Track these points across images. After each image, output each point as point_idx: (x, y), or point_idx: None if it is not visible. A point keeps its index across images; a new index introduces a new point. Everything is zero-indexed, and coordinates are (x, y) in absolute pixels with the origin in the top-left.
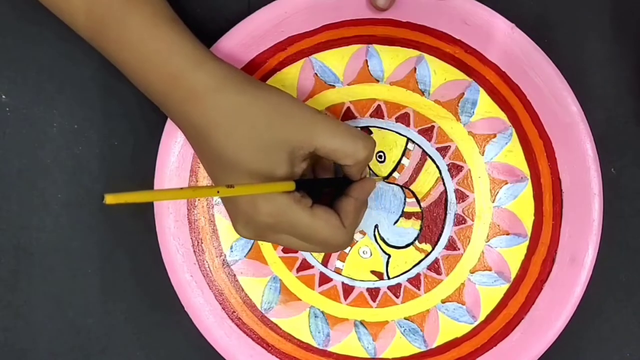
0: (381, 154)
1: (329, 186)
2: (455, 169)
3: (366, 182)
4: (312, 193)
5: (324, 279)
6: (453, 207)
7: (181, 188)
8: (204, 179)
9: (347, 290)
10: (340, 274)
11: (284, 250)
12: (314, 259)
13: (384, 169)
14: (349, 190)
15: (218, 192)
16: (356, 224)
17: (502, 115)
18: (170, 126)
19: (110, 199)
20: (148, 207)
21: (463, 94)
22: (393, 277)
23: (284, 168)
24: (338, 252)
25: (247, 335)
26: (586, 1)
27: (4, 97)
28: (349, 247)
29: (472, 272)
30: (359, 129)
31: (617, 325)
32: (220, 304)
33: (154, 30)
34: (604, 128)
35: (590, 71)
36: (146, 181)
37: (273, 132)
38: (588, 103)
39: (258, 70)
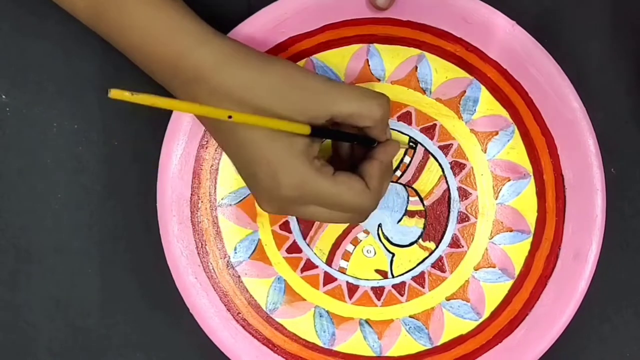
0: None
1: (347, 139)
2: (457, 166)
3: (389, 144)
4: (334, 162)
5: (329, 279)
6: (456, 205)
7: (191, 102)
8: (207, 181)
9: (352, 289)
10: (345, 274)
11: (289, 251)
12: (318, 258)
13: None
14: (372, 153)
15: (230, 117)
16: (382, 188)
17: (504, 113)
18: (172, 127)
19: (115, 93)
20: (150, 207)
21: (464, 91)
22: (397, 276)
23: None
24: (342, 252)
25: (252, 336)
26: (586, 1)
27: (4, 97)
28: (353, 246)
29: (476, 269)
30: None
31: (617, 325)
32: (225, 305)
33: (154, 11)
34: (604, 128)
35: (590, 71)
36: (147, 181)
37: (287, 105)
38: (588, 103)
39: None
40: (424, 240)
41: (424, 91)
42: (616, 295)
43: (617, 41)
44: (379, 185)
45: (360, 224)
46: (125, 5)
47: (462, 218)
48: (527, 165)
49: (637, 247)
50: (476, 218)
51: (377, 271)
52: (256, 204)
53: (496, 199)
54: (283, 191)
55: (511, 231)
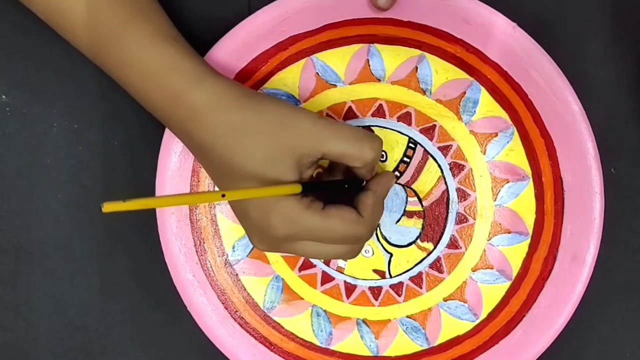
0: (383, 153)
1: (335, 187)
2: (456, 168)
3: (384, 175)
4: (323, 196)
5: (326, 278)
6: (455, 206)
7: (184, 194)
8: (206, 179)
9: (349, 289)
10: (343, 273)
11: None
12: None
13: (386, 168)
14: (367, 184)
15: (223, 195)
16: (375, 217)
17: (504, 114)
18: (167, 135)
19: (108, 207)
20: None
21: (464, 93)
22: (395, 276)
23: (291, 175)
24: None
25: (249, 334)
26: (586, 1)
27: (4, 97)
28: None
29: (473, 270)
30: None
31: (617, 325)
32: (222, 303)
33: (153, 49)
34: (604, 128)
35: (591, 71)
36: (147, 181)
37: (278, 144)
38: (588, 103)
39: (259, 70)
40: (422, 241)
41: (424, 92)
42: (616, 295)
43: (617, 41)
44: (372, 214)
45: None
46: (126, 43)
47: (461, 219)
48: (526, 167)
49: (637, 247)
50: (474, 219)
51: (375, 271)
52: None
53: (495, 200)
54: (275, 231)
55: (509, 233)
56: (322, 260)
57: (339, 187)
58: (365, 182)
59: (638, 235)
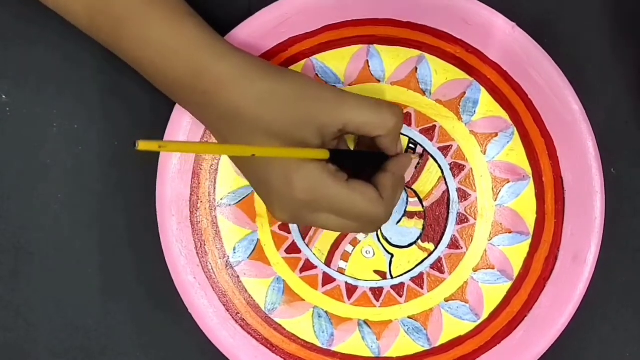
0: None
1: (363, 159)
2: (457, 168)
3: (403, 156)
4: (348, 169)
5: (328, 279)
6: (455, 206)
7: (213, 143)
8: (206, 181)
9: (351, 290)
10: (344, 274)
11: (288, 251)
12: (317, 259)
13: None
14: (385, 165)
15: (253, 154)
16: (394, 200)
17: (504, 114)
18: (172, 127)
19: (142, 145)
20: (149, 207)
21: (464, 93)
22: (396, 277)
23: (316, 142)
24: (341, 252)
25: (251, 336)
26: (586, 1)
27: (4, 97)
28: (352, 247)
29: (475, 270)
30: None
31: (617, 326)
32: (224, 305)
33: (175, 27)
34: (604, 128)
35: (591, 71)
36: (147, 182)
37: (302, 111)
38: (588, 103)
39: None
40: (423, 241)
41: (423, 92)
42: (616, 295)
43: (617, 41)
44: (392, 195)
45: None
46: (146, 22)
47: (462, 219)
48: (527, 167)
49: (637, 247)
50: (475, 219)
51: (376, 272)
52: (266, 212)
53: (495, 200)
54: (297, 194)
55: (510, 233)
56: (323, 261)
57: (365, 158)
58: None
59: (638, 235)
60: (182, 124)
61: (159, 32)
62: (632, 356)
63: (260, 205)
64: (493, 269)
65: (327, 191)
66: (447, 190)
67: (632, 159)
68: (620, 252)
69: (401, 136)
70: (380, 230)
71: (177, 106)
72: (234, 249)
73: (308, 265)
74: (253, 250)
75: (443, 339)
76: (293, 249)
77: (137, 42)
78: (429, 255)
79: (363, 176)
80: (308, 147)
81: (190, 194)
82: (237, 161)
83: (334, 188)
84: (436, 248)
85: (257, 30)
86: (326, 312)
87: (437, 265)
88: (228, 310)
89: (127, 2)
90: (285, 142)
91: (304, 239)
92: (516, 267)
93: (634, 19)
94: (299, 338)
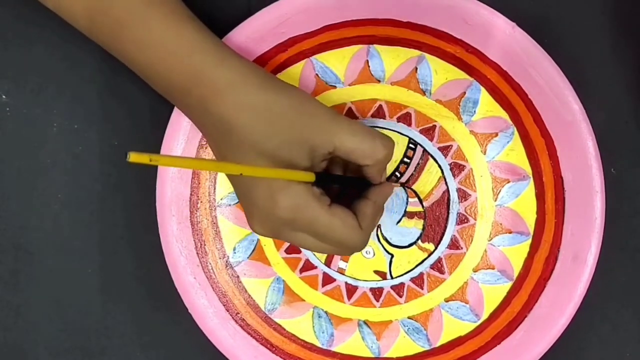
0: None
1: (347, 184)
2: (457, 168)
3: (385, 186)
4: (331, 192)
5: (328, 279)
6: (455, 207)
7: (204, 159)
8: (206, 181)
9: (351, 290)
10: (344, 274)
11: (288, 251)
12: (317, 259)
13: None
14: (367, 193)
15: (241, 173)
16: (372, 228)
17: (504, 114)
18: (172, 127)
19: (134, 157)
20: (149, 207)
21: (464, 93)
22: (396, 277)
23: (304, 163)
24: None
25: (251, 336)
26: (587, 1)
27: (4, 97)
28: None
29: (475, 270)
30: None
31: (617, 325)
32: (223, 305)
33: (174, 29)
34: (604, 128)
35: (591, 71)
36: (146, 181)
37: (294, 130)
38: (588, 103)
39: None
40: (423, 242)
41: (423, 92)
42: (616, 295)
43: (617, 41)
44: (371, 224)
45: None
46: (146, 24)
47: (462, 219)
48: (527, 167)
49: (637, 247)
50: (475, 219)
51: (376, 272)
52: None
53: (495, 200)
54: (279, 212)
55: (510, 233)
56: (323, 262)
57: (349, 184)
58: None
59: (638, 235)
60: (182, 125)
61: (158, 34)
62: (632, 356)
63: None
64: (493, 269)
65: (309, 213)
66: (447, 190)
67: (632, 159)
68: (620, 252)
69: (395, 146)
70: (381, 231)
71: (175, 109)
72: (234, 249)
73: (308, 266)
74: (253, 251)
75: (443, 340)
76: (293, 249)
77: (136, 45)
78: (429, 256)
79: (344, 199)
80: (296, 168)
81: (190, 194)
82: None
83: (316, 211)
84: (436, 248)
85: (257, 30)
86: (326, 312)
87: (437, 266)
88: (228, 311)
89: (127, 4)
90: (274, 161)
91: None
92: (516, 267)
93: (634, 19)
94: (298, 338)
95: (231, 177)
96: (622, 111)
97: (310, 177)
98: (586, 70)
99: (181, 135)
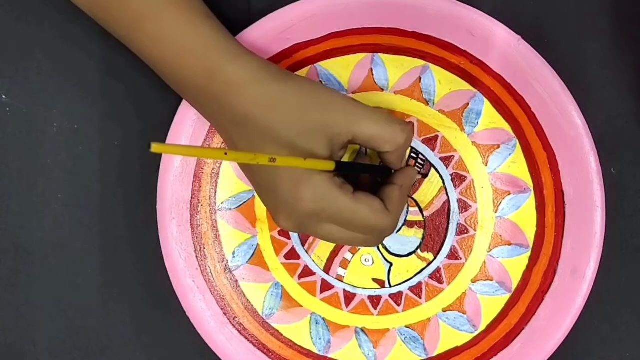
0: None
1: (367, 172)
2: (458, 178)
3: (409, 169)
4: (352, 180)
5: (326, 286)
6: (456, 217)
7: (222, 149)
8: (207, 185)
9: (349, 297)
10: (342, 282)
11: (287, 257)
12: (316, 265)
13: None
14: (392, 178)
15: (258, 162)
16: (400, 211)
17: (506, 126)
18: (175, 130)
19: (156, 147)
20: (150, 208)
21: (467, 104)
22: (394, 285)
23: (323, 152)
24: (340, 260)
25: (248, 340)
26: (586, 2)
27: (4, 97)
28: (351, 255)
29: (473, 281)
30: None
31: (617, 326)
32: (221, 309)
33: (191, 26)
34: (604, 128)
35: (590, 72)
36: (147, 182)
37: (313, 119)
38: (588, 103)
39: None
40: (422, 251)
41: (427, 102)
42: (616, 295)
43: (617, 42)
44: (398, 207)
45: None
46: (163, 20)
47: (461, 230)
48: (528, 180)
49: (637, 247)
50: (475, 231)
51: (375, 280)
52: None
53: (496, 212)
54: (304, 205)
55: (510, 245)
56: (322, 268)
57: (369, 171)
58: (393, 171)
59: (638, 236)
60: (185, 127)
61: (175, 30)
62: (632, 357)
63: (260, 210)
64: (492, 280)
65: (334, 202)
66: (448, 200)
67: (632, 159)
68: (621, 251)
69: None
70: None
71: (180, 108)
72: (234, 253)
73: (307, 272)
74: (252, 255)
75: (440, 349)
76: (292, 254)
77: (152, 40)
78: (428, 265)
79: (364, 189)
80: (315, 157)
81: (191, 197)
82: (244, 167)
83: (341, 200)
84: (435, 258)
85: (262, 36)
86: (323, 318)
87: (436, 275)
88: (225, 314)
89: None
90: (294, 151)
91: (303, 245)
92: (515, 279)
93: (633, 19)
94: (295, 344)
95: (251, 174)
96: (622, 111)
97: (330, 165)
98: (586, 70)
99: (184, 138)
